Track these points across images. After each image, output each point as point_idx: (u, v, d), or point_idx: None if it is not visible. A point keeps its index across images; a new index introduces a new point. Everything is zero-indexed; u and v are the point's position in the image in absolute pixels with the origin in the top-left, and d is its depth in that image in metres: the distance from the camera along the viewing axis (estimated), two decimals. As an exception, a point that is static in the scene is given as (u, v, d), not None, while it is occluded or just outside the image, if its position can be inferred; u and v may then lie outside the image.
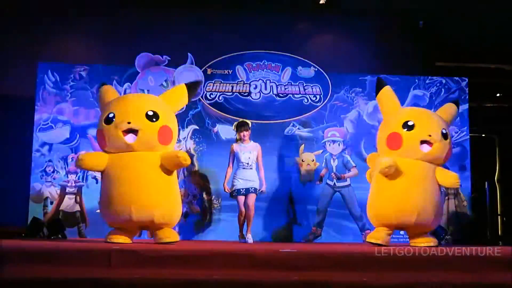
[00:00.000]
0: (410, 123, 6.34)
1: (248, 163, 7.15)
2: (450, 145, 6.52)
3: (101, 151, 5.92)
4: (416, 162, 6.30)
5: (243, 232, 7.25)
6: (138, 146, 5.73)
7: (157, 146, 5.80)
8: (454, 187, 6.63)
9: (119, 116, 5.74)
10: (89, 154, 6.12)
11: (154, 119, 5.77)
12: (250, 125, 7.30)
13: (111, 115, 5.77)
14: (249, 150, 7.20)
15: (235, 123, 7.41)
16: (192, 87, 6.37)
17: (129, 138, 5.72)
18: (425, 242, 6.20)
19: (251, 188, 7.13)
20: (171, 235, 5.81)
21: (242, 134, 7.22)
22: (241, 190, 7.13)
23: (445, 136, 6.38)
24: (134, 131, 5.71)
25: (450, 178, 6.40)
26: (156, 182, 5.75)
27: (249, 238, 7.08)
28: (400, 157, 6.30)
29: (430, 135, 6.27)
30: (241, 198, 7.15)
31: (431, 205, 6.23)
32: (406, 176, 6.26)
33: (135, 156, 5.76)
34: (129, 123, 5.69)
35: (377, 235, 6.33)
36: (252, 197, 7.17)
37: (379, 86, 6.79)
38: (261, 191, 7.27)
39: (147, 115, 5.76)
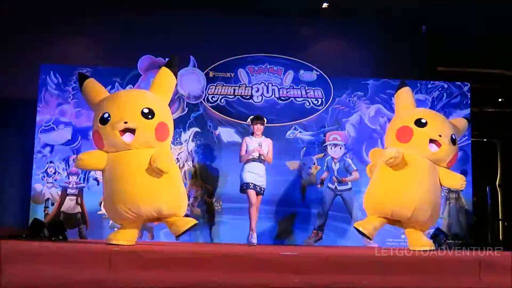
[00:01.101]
0: (423, 121, 6.37)
1: (258, 157, 7.12)
2: (457, 151, 6.55)
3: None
4: (422, 159, 6.30)
5: (253, 227, 7.09)
6: (136, 145, 5.77)
7: (154, 143, 5.84)
8: (459, 189, 6.66)
9: (114, 116, 5.74)
10: (88, 154, 6.03)
11: (150, 117, 5.78)
12: (265, 121, 7.29)
13: (106, 115, 5.77)
14: (260, 144, 7.15)
15: (251, 116, 7.39)
16: (172, 65, 6.27)
17: (127, 138, 5.74)
18: (422, 246, 6.18)
19: (258, 187, 7.07)
20: (187, 222, 5.87)
21: (256, 127, 7.21)
22: (250, 184, 7.03)
23: (454, 141, 6.41)
24: (131, 130, 5.73)
25: (455, 179, 6.39)
26: (157, 175, 5.76)
27: (253, 237, 7.02)
28: (407, 151, 6.32)
29: (440, 135, 6.29)
30: (252, 192, 7.02)
31: (429, 204, 6.20)
32: (409, 170, 6.23)
33: (134, 153, 5.78)
34: (125, 122, 5.70)
35: (365, 225, 6.31)
36: (258, 199, 7.13)
37: (401, 85, 6.89)
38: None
39: (143, 113, 5.76)
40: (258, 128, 7.20)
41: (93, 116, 6.07)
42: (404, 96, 6.80)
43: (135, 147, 5.78)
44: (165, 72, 6.19)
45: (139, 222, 6.00)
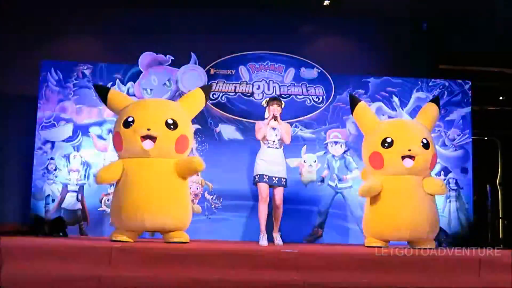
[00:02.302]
0: (388, 140, 6.36)
1: (274, 141, 6.68)
2: (433, 151, 6.50)
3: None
4: (403, 178, 6.32)
5: (265, 228, 6.73)
6: (154, 153, 5.83)
7: (173, 154, 5.92)
8: (442, 194, 6.79)
9: (138, 121, 5.82)
10: (104, 170, 6.08)
11: (173, 128, 5.88)
12: (283, 104, 6.89)
13: (130, 119, 5.84)
14: (277, 128, 6.70)
15: (267, 98, 7.08)
16: (206, 90, 6.51)
17: (147, 144, 5.79)
18: (423, 245, 6.20)
19: (276, 178, 6.58)
20: (181, 236, 5.90)
21: (272, 108, 6.69)
22: (264, 176, 6.54)
23: (426, 145, 6.36)
24: (152, 138, 5.79)
25: (435, 186, 6.38)
26: (170, 189, 5.84)
27: (277, 239, 6.66)
28: (385, 175, 6.34)
29: (410, 150, 6.26)
30: (264, 186, 6.56)
31: (424, 219, 6.24)
32: (395, 193, 6.29)
33: (150, 162, 5.84)
34: (148, 129, 5.76)
35: (375, 240, 6.38)
36: (279, 192, 6.63)
37: (353, 103, 6.79)
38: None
39: (166, 123, 5.86)
40: (275, 109, 6.69)
41: (116, 119, 6.15)
42: (362, 113, 6.73)
43: (153, 156, 5.83)
44: (199, 92, 6.41)
45: (139, 232, 6.03)
